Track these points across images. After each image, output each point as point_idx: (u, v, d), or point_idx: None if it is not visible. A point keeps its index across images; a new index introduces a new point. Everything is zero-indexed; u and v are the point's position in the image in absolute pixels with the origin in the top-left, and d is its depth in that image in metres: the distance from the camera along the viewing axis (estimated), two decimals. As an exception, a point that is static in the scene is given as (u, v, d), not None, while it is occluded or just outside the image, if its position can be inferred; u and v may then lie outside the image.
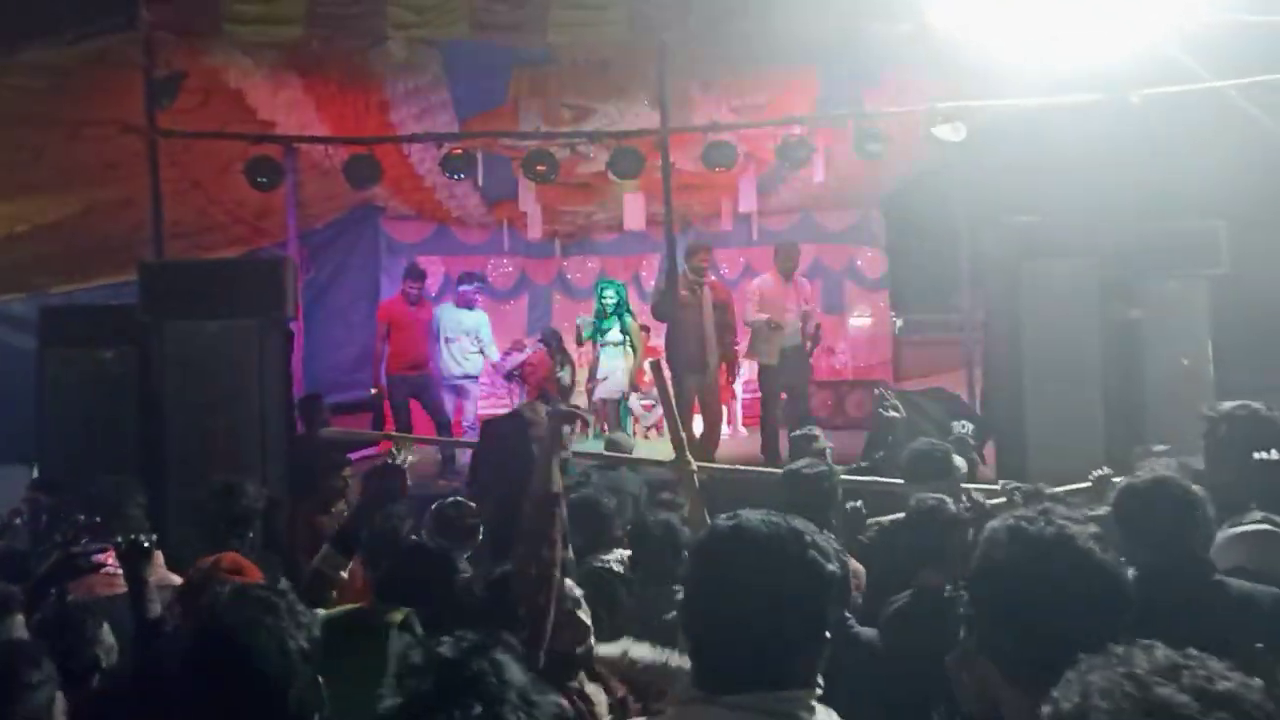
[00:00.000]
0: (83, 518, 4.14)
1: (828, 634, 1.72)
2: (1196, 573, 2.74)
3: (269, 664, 1.85)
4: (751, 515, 1.75)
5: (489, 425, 3.80)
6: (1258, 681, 1.11)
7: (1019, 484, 4.36)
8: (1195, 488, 2.84)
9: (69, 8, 6.35)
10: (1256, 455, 3.40)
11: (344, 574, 3.37)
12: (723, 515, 1.79)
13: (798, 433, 6.43)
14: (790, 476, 4.30)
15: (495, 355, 9.97)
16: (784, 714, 1.65)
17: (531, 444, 3.10)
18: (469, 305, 9.54)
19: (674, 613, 3.00)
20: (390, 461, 3.85)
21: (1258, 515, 3.13)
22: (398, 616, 2.95)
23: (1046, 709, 1.17)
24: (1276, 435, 3.45)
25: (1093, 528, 1.74)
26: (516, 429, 3.23)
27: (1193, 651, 1.14)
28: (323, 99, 8.19)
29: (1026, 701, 1.48)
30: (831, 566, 1.70)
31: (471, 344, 9.49)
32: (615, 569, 4.07)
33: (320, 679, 1.94)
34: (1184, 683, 1.08)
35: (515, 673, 1.41)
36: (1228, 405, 3.68)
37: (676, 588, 3.00)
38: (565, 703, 1.43)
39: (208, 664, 1.90)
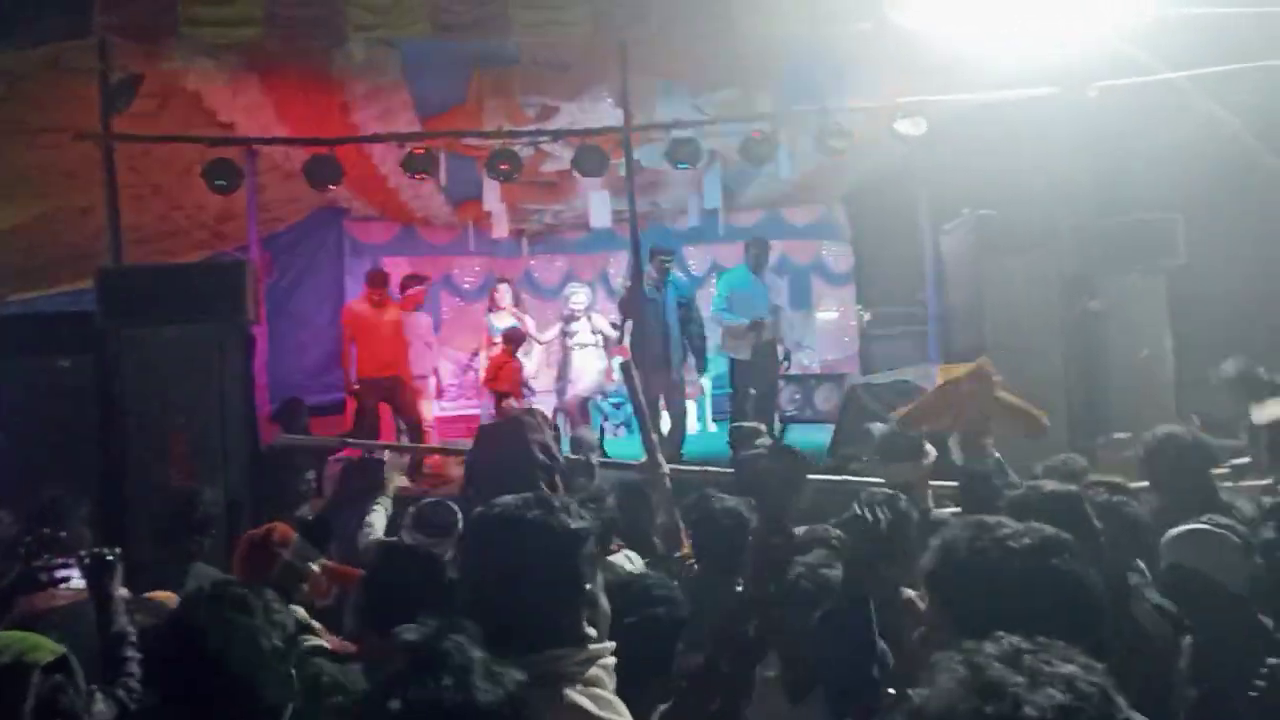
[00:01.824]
0: (47, 531, 4.09)
1: (588, 588, 1.81)
2: None
3: (240, 661, 1.92)
4: (506, 498, 1.90)
5: (485, 430, 3.84)
6: (1100, 666, 1.14)
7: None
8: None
9: (20, 13, 6.24)
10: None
11: (315, 566, 3.35)
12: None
13: (736, 424, 6.46)
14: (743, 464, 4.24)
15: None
16: (549, 673, 1.70)
17: (530, 448, 3.08)
18: (416, 307, 9.56)
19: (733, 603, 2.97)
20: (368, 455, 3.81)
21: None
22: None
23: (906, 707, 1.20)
24: (1206, 458, 3.51)
25: (1062, 535, 1.67)
26: (513, 434, 3.18)
27: (1044, 640, 1.17)
28: (282, 100, 8.10)
29: None
30: (577, 524, 1.81)
31: (422, 346, 9.53)
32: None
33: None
34: (1022, 665, 1.12)
35: (476, 650, 1.45)
36: (1161, 432, 3.78)
37: (738, 579, 2.97)
38: (521, 675, 1.47)
39: (179, 660, 1.97)
